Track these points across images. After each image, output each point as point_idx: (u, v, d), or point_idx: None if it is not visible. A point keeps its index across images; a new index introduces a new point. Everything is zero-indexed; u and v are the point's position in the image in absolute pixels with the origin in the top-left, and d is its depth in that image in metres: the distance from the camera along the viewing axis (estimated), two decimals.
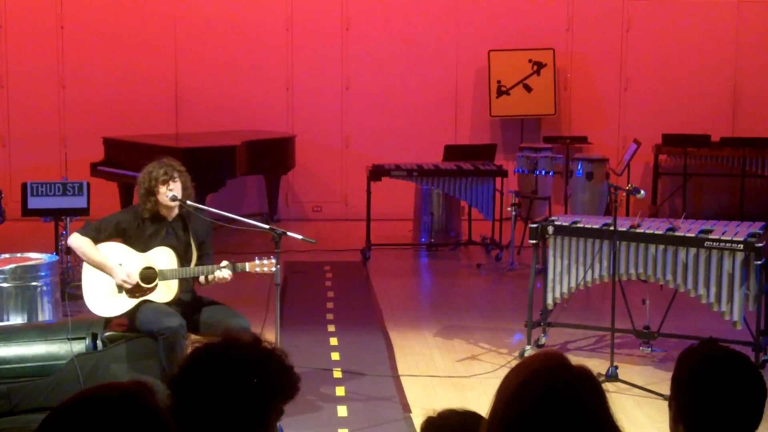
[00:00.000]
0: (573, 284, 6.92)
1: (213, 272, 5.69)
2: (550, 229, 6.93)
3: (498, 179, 9.97)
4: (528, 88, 11.93)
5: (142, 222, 5.79)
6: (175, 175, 5.75)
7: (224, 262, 5.71)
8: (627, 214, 10.72)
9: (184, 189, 5.78)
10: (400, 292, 9.00)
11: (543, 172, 10.40)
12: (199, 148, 10.24)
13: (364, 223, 10.14)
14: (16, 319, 6.32)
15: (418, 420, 5.47)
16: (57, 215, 8.38)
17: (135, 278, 5.69)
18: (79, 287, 5.83)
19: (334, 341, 7.31)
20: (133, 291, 5.72)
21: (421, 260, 10.43)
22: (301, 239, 5.65)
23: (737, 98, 12.08)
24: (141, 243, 5.77)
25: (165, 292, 5.74)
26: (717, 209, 11.70)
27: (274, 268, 5.58)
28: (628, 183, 9.04)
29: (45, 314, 6.48)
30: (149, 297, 5.72)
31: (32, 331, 5.73)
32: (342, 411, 5.94)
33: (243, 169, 10.53)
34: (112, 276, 5.69)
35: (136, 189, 6.02)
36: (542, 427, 2.06)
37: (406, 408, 6.00)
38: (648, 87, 12.07)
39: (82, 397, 1.89)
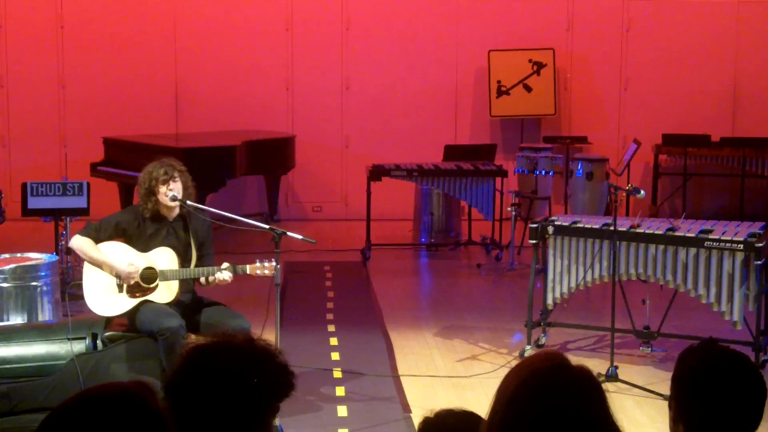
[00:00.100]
0: (573, 284, 6.92)
1: (214, 274, 5.69)
2: (550, 229, 6.93)
3: (498, 179, 9.96)
4: (528, 88, 11.92)
5: (142, 222, 5.79)
6: (176, 175, 5.75)
7: (225, 264, 5.71)
8: (627, 214, 10.72)
9: (185, 189, 5.78)
10: (400, 292, 9.00)
11: (543, 172, 10.39)
12: (199, 148, 10.23)
13: (364, 223, 10.13)
14: (16, 319, 6.32)
15: (418, 420, 5.47)
16: (57, 215, 8.37)
17: (138, 269, 5.69)
18: (80, 287, 5.83)
19: (334, 341, 7.31)
20: (134, 291, 5.72)
21: (421, 260, 10.43)
22: (301, 239, 5.65)
23: (737, 98, 12.08)
24: (141, 243, 5.77)
25: (165, 292, 5.73)
26: (717, 209, 11.68)
27: (274, 271, 5.58)
28: (628, 183, 9.03)
29: (45, 314, 6.47)
30: (150, 297, 5.71)
31: (32, 331, 5.73)
32: (342, 411, 5.94)
33: (243, 169, 10.53)
34: (115, 271, 5.69)
35: (136, 189, 6.02)
36: (542, 427, 2.06)
37: (406, 408, 6.00)
38: (648, 87, 12.06)
39: (82, 397, 1.89)
